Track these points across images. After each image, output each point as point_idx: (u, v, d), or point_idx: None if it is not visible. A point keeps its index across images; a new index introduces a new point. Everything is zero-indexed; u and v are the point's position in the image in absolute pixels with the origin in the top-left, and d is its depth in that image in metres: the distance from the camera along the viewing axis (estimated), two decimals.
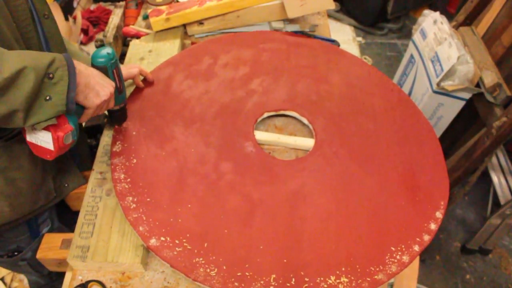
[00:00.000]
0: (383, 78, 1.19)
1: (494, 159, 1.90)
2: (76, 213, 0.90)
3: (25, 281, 1.65)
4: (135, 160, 0.91)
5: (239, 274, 0.75)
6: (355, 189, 0.90)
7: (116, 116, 0.94)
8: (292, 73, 1.17)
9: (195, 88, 1.09)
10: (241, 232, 0.81)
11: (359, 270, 0.77)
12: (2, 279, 1.64)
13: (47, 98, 0.68)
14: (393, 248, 0.81)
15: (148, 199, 0.84)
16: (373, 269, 0.77)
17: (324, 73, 1.18)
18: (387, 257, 0.79)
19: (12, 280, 1.66)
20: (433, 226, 0.85)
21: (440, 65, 1.64)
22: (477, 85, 1.58)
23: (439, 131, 1.84)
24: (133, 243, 0.81)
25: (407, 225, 0.85)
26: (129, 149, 0.93)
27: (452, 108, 1.72)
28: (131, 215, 0.81)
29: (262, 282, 0.74)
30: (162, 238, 0.78)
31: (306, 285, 0.74)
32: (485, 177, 1.96)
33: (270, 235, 0.81)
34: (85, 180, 1.02)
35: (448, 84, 1.61)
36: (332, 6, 1.34)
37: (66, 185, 0.99)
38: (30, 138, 0.77)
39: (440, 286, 1.84)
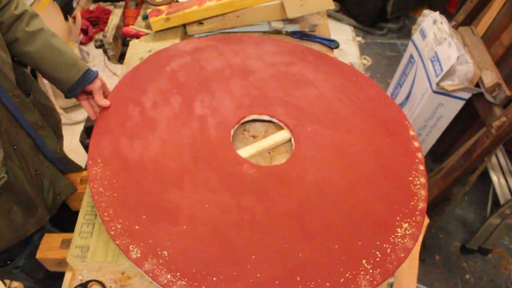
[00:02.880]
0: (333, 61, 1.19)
1: (494, 159, 1.91)
2: (74, 213, 0.90)
3: None
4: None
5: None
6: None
7: None
8: (215, 80, 1.10)
9: (151, 145, 0.93)
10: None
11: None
12: (2, 279, 1.64)
13: None
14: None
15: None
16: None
17: (245, 68, 1.15)
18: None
19: (11, 280, 1.65)
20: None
21: (440, 65, 1.64)
22: (477, 85, 1.58)
23: (438, 131, 1.85)
24: None
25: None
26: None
27: (451, 108, 1.72)
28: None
29: None
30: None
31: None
32: (485, 177, 1.96)
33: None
34: (75, 187, 1.04)
35: (447, 84, 1.61)
36: (332, 6, 1.34)
37: (59, 197, 1.00)
38: None
39: (440, 286, 1.84)
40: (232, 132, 1.00)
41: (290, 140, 1.01)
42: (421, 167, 0.93)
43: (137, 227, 0.78)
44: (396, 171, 0.92)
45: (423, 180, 0.90)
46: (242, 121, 1.03)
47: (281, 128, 1.04)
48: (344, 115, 1.04)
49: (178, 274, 0.73)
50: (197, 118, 1.00)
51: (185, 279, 0.72)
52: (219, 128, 0.99)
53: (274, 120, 1.04)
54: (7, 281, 1.65)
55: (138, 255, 0.74)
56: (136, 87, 1.06)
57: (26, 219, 0.91)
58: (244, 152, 0.97)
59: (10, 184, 0.83)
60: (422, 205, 0.86)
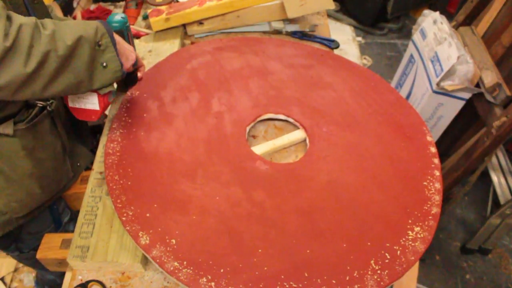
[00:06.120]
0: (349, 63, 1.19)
1: (494, 159, 1.91)
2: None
3: (25, 281, 1.65)
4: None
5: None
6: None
7: (128, 79, 0.94)
8: (234, 79, 1.12)
9: (167, 138, 0.96)
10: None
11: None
12: (2, 279, 1.64)
13: (104, 65, 0.74)
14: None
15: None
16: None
17: (264, 69, 1.16)
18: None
19: (12, 280, 1.66)
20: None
21: (440, 65, 1.64)
22: (477, 85, 1.58)
23: (439, 131, 1.84)
24: (133, 242, 0.81)
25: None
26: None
27: (452, 108, 1.72)
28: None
29: None
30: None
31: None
32: (485, 177, 1.96)
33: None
34: (93, 155, 1.03)
35: (448, 84, 1.61)
36: (332, 6, 1.34)
37: (78, 164, 1.03)
38: (73, 103, 0.84)
39: (440, 286, 1.84)
40: (247, 130, 1.02)
41: (305, 140, 1.02)
42: (437, 173, 0.92)
43: (148, 215, 0.81)
44: (410, 175, 0.92)
45: (438, 185, 0.90)
46: (258, 119, 1.05)
47: (295, 128, 1.05)
48: (361, 118, 1.04)
49: (185, 262, 0.74)
50: (213, 115, 1.03)
51: (191, 268, 0.73)
52: (235, 125, 1.00)
53: (290, 119, 1.05)
54: (8, 281, 1.65)
55: (147, 241, 0.76)
56: (156, 83, 1.09)
57: (63, 161, 0.95)
58: (259, 149, 0.98)
59: (56, 112, 0.91)
60: (436, 210, 0.85)
